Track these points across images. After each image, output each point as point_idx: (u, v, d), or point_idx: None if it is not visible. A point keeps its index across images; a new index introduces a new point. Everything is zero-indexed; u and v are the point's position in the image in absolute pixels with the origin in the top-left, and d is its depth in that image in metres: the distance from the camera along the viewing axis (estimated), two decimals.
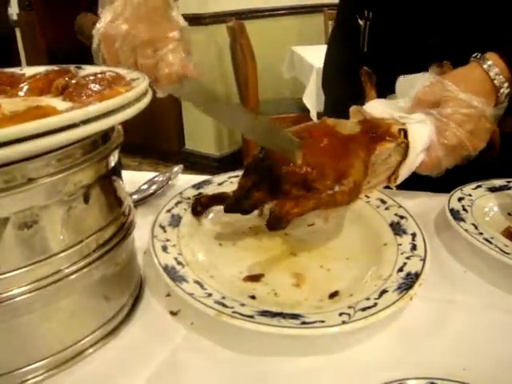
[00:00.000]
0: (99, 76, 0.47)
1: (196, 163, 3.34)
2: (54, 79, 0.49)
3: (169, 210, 0.61)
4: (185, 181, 0.77)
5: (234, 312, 0.44)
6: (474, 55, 0.65)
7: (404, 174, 0.63)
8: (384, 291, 0.47)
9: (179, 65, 0.57)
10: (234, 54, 2.74)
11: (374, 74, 0.74)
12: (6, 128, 0.31)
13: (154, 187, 0.75)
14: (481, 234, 0.56)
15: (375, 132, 0.61)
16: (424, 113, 0.63)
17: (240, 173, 0.72)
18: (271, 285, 0.52)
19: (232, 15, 2.88)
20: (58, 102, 0.43)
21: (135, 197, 0.72)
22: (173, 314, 0.50)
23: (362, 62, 0.76)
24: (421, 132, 0.62)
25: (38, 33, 2.63)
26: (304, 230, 0.62)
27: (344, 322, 0.43)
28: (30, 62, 3.78)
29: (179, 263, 0.51)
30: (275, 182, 0.53)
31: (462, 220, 0.59)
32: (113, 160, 0.45)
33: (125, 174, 0.51)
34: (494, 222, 0.62)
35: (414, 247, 0.54)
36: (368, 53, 0.85)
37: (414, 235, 0.56)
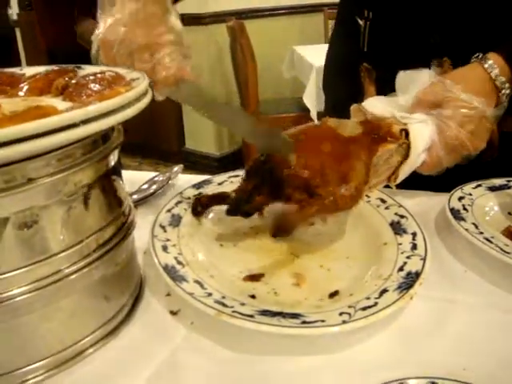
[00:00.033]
0: (99, 76, 0.47)
1: (196, 163, 3.34)
2: (53, 79, 0.49)
3: (169, 210, 0.61)
4: (185, 180, 0.77)
5: (234, 311, 0.44)
6: (475, 55, 0.64)
7: (404, 173, 0.63)
8: (384, 290, 0.47)
9: (176, 68, 0.57)
10: (234, 53, 2.74)
11: (374, 71, 0.73)
12: (5, 128, 0.31)
13: (154, 187, 0.75)
14: (481, 233, 0.56)
15: (377, 133, 0.61)
16: (425, 113, 0.63)
17: (240, 172, 0.72)
18: (271, 284, 0.52)
19: (232, 15, 2.88)
20: (58, 102, 0.43)
21: (135, 197, 0.72)
22: (173, 313, 0.50)
23: (363, 62, 0.76)
24: (422, 132, 0.62)
25: (37, 33, 2.63)
26: (304, 229, 0.62)
27: (344, 322, 0.43)
28: (30, 62, 3.78)
29: (179, 263, 0.51)
30: (277, 186, 0.53)
31: (463, 219, 0.59)
32: (113, 160, 0.45)
33: (125, 173, 0.51)
34: (494, 222, 0.62)
35: (414, 246, 0.54)
36: (368, 52, 0.85)
37: (414, 234, 0.56)
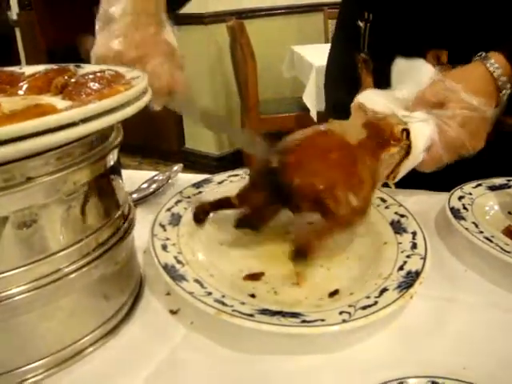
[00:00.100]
0: (99, 75, 0.47)
1: (196, 162, 3.35)
2: (53, 78, 0.49)
3: (169, 209, 0.61)
4: (185, 180, 0.77)
5: (233, 310, 0.43)
6: (478, 54, 0.64)
7: (403, 172, 0.63)
8: (384, 290, 0.47)
9: (168, 78, 0.58)
10: (233, 53, 2.74)
11: (371, 61, 0.73)
12: (5, 126, 0.31)
13: (153, 186, 0.75)
14: (481, 232, 0.56)
15: (381, 137, 0.60)
16: (426, 111, 0.63)
17: (240, 172, 0.72)
18: (271, 283, 0.52)
19: (232, 14, 2.88)
20: (57, 101, 0.43)
21: (135, 196, 0.72)
22: (173, 312, 0.49)
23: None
24: (423, 132, 0.62)
25: (37, 32, 2.64)
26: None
27: (344, 321, 0.42)
28: (30, 62, 3.78)
29: (179, 262, 0.51)
30: (285, 198, 0.53)
31: (463, 218, 0.59)
32: (112, 159, 0.45)
33: (124, 173, 0.51)
34: (494, 221, 0.62)
35: (414, 246, 0.54)
36: (368, 54, 0.85)
37: (414, 234, 0.56)
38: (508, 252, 0.52)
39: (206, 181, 0.70)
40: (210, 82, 3.20)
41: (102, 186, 0.44)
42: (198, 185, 0.69)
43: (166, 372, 0.43)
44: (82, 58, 0.60)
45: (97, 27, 0.61)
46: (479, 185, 0.69)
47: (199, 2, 2.95)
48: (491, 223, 0.61)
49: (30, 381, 0.40)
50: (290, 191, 0.51)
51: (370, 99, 0.66)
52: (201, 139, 3.39)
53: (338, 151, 0.55)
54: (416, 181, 0.69)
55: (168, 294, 0.52)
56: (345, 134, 0.57)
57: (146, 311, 0.50)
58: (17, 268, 0.37)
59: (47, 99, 0.44)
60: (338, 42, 0.99)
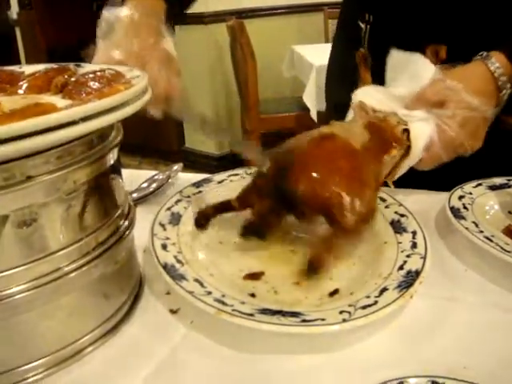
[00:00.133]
0: (99, 74, 0.46)
1: (196, 162, 3.35)
2: (53, 77, 0.49)
3: (169, 208, 0.61)
4: (185, 179, 0.77)
5: (233, 310, 0.43)
6: (479, 53, 0.64)
7: (402, 171, 0.63)
8: (384, 289, 0.47)
9: (164, 85, 0.59)
10: (233, 52, 2.74)
11: (370, 56, 0.73)
12: (5, 125, 0.31)
13: (153, 185, 0.75)
14: (481, 232, 0.56)
15: (383, 141, 0.60)
16: (426, 110, 0.63)
17: (240, 171, 0.72)
18: (271, 283, 0.52)
19: (232, 14, 2.88)
20: (57, 100, 0.43)
21: (135, 195, 0.72)
22: (172, 312, 0.49)
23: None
24: (423, 131, 0.62)
25: (37, 32, 2.64)
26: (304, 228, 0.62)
27: (344, 320, 0.42)
28: (30, 61, 3.78)
29: (179, 261, 0.51)
30: (292, 206, 0.52)
31: (463, 218, 0.59)
32: (112, 158, 0.45)
33: (125, 172, 0.51)
34: (494, 220, 0.62)
35: (414, 245, 0.54)
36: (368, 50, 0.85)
37: (414, 233, 0.56)
38: (508, 251, 0.52)
39: (205, 180, 0.70)
40: (210, 81, 3.20)
41: (102, 185, 0.44)
42: (197, 184, 0.69)
43: (165, 371, 0.43)
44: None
45: (98, 35, 0.62)
46: (479, 184, 0.68)
47: (199, 2, 2.91)
48: (491, 223, 0.61)
49: (30, 380, 0.40)
50: (296, 199, 0.51)
51: (369, 96, 0.66)
52: (201, 139, 3.39)
53: (343, 157, 0.55)
54: (416, 180, 0.69)
55: (168, 293, 0.52)
56: (349, 138, 0.57)
57: (145, 310, 0.50)
58: (17, 267, 0.37)
59: (47, 98, 0.44)
60: (339, 42, 0.99)
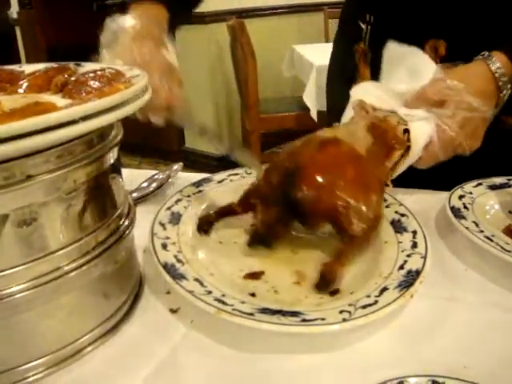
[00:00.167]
0: (99, 73, 0.47)
1: (196, 162, 3.34)
2: (53, 76, 0.49)
3: (169, 208, 0.61)
4: (184, 179, 0.77)
5: (233, 309, 0.43)
6: (481, 53, 0.64)
7: (401, 169, 0.63)
8: (385, 289, 0.47)
9: (166, 94, 0.60)
10: (234, 52, 2.74)
11: (370, 52, 0.73)
12: (5, 124, 0.31)
13: (153, 185, 0.75)
14: (482, 231, 0.56)
15: (386, 144, 0.60)
16: (426, 110, 0.63)
17: (240, 171, 0.72)
18: (271, 282, 0.52)
19: (232, 14, 2.88)
20: (57, 99, 0.43)
21: (135, 195, 0.72)
22: (172, 311, 0.49)
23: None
24: (423, 130, 0.62)
25: (37, 31, 2.63)
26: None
27: (344, 320, 0.42)
28: (30, 60, 3.78)
29: (179, 261, 0.51)
30: (299, 214, 0.52)
31: (463, 218, 0.59)
32: (112, 157, 0.45)
33: (125, 171, 0.51)
34: (494, 220, 0.62)
35: (414, 245, 0.54)
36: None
37: (414, 233, 0.56)
38: (508, 251, 0.52)
39: (205, 180, 0.70)
40: (211, 81, 3.19)
41: (102, 185, 0.44)
42: (197, 184, 0.69)
43: (165, 371, 0.43)
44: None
45: (101, 43, 0.63)
46: (480, 184, 0.68)
47: None
48: (492, 222, 0.61)
49: (30, 379, 0.40)
50: (304, 206, 0.51)
51: (368, 93, 0.66)
52: (201, 139, 3.38)
53: (349, 163, 0.54)
54: (416, 180, 0.69)
55: (168, 292, 0.52)
56: (353, 143, 0.57)
57: (145, 310, 0.50)
58: (17, 266, 0.37)
59: (47, 97, 0.44)
60: (340, 42, 0.99)
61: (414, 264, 0.50)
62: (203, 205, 0.65)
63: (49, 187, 0.37)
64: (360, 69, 0.73)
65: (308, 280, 0.52)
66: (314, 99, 2.32)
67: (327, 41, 3.13)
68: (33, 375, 0.41)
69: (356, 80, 0.74)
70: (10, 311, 0.38)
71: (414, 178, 0.67)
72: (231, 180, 0.70)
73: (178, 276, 0.48)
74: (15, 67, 0.54)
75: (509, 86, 0.63)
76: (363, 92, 0.67)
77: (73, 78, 0.47)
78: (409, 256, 0.52)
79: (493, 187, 0.68)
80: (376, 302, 0.45)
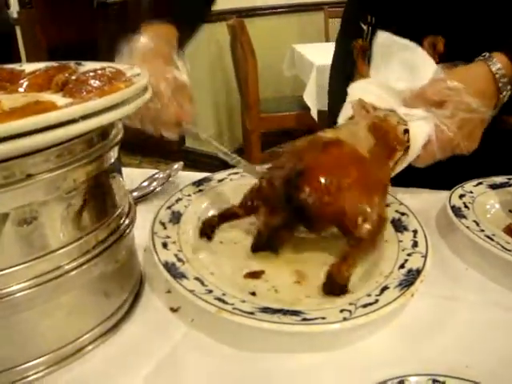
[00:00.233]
0: (99, 72, 0.46)
1: (196, 161, 3.34)
2: (53, 75, 0.49)
3: (169, 207, 0.61)
4: (185, 178, 0.77)
5: (234, 308, 0.43)
6: (482, 54, 0.64)
7: (400, 169, 0.63)
8: (385, 288, 0.47)
9: (175, 111, 0.63)
10: (234, 51, 2.74)
11: (369, 48, 0.73)
12: (5, 123, 0.31)
13: (154, 184, 0.75)
14: (482, 230, 0.56)
15: (388, 145, 0.60)
16: (425, 109, 0.63)
17: (240, 170, 0.72)
18: (272, 281, 0.52)
19: (232, 13, 2.88)
20: (57, 98, 0.43)
21: (135, 194, 0.72)
22: (173, 310, 0.49)
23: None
24: (422, 130, 0.62)
25: (38, 31, 2.63)
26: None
27: (345, 319, 0.42)
28: (31, 60, 3.77)
29: (179, 260, 0.51)
30: (305, 219, 0.52)
31: (464, 217, 0.59)
32: (113, 157, 0.45)
33: (125, 171, 0.51)
34: (495, 219, 0.62)
35: (415, 244, 0.54)
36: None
37: (415, 232, 0.56)
38: (509, 250, 0.52)
39: (206, 179, 0.70)
40: (211, 80, 3.19)
41: (102, 184, 0.44)
42: (198, 183, 0.68)
43: (166, 370, 0.43)
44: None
45: (119, 55, 0.65)
46: (480, 183, 0.68)
47: None
48: (492, 221, 0.61)
49: (30, 378, 0.40)
50: (309, 210, 0.50)
51: (368, 91, 0.66)
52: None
53: (352, 165, 0.54)
54: (417, 179, 0.69)
55: (168, 291, 0.52)
56: (355, 144, 0.56)
57: (146, 309, 0.50)
58: (17, 265, 0.37)
59: (47, 96, 0.44)
60: (342, 42, 0.99)
61: (414, 263, 0.50)
62: (203, 204, 0.65)
63: (49, 186, 0.37)
64: (358, 65, 0.73)
65: (308, 279, 0.52)
66: (314, 99, 2.32)
67: (327, 40, 3.13)
68: (33, 374, 0.41)
69: (354, 77, 0.73)
70: (11, 310, 0.38)
71: (414, 178, 0.67)
72: (231, 179, 0.70)
73: (178, 275, 0.48)
74: (15, 66, 0.54)
75: (509, 87, 0.63)
76: (361, 90, 0.67)
77: (73, 77, 0.47)
78: (409, 255, 0.52)
79: (493, 186, 0.68)
80: (377, 300, 0.45)
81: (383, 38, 0.70)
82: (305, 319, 0.43)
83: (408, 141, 0.62)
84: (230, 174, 0.71)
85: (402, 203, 0.62)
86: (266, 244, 0.56)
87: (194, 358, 0.44)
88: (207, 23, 3.00)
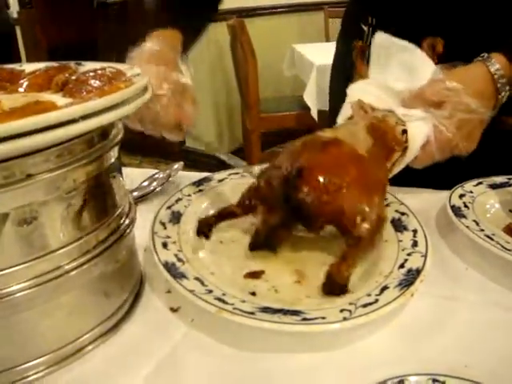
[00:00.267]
0: (99, 72, 0.46)
1: (196, 161, 3.34)
2: (53, 75, 0.49)
3: (169, 207, 0.61)
4: (185, 178, 0.77)
5: (234, 308, 0.43)
6: (481, 55, 0.64)
7: (398, 169, 0.63)
8: (385, 288, 0.47)
9: (175, 113, 0.62)
10: (234, 51, 2.74)
11: (368, 48, 0.73)
12: (5, 123, 0.31)
13: (154, 184, 0.75)
14: (482, 230, 0.56)
15: (386, 145, 0.60)
16: (424, 110, 0.63)
17: (240, 170, 0.72)
18: (272, 281, 0.52)
19: (233, 13, 2.87)
20: (57, 98, 0.43)
21: (135, 194, 0.72)
22: (173, 310, 0.49)
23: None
24: (420, 130, 0.62)
25: (38, 31, 2.63)
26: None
27: (345, 319, 0.42)
28: (31, 60, 3.77)
29: (179, 260, 0.51)
30: (303, 218, 0.52)
31: (464, 217, 0.59)
32: (113, 156, 0.45)
33: (125, 171, 0.51)
34: (495, 219, 0.62)
35: (415, 244, 0.54)
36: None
37: (415, 232, 0.56)
38: (509, 250, 0.52)
39: (206, 179, 0.70)
40: (211, 80, 3.19)
41: (103, 184, 0.44)
42: (198, 183, 0.69)
43: (166, 370, 0.43)
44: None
45: (129, 57, 0.66)
46: (480, 183, 0.68)
47: None
48: (492, 221, 0.61)
49: (30, 378, 0.40)
50: (308, 209, 0.50)
51: (367, 92, 0.66)
52: (201, 138, 3.39)
53: (351, 164, 0.54)
54: (417, 179, 0.69)
55: (168, 291, 0.52)
56: (354, 144, 0.56)
57: (146, 309, 0.50)
58: (17, 265, 0.37)
59: (47, 97, 0.44)
60: (343, 42, 0.99)
61: (414, 263, 0.50)
62: (203, 204, 0.65)
63: (49, 186, 0.37)
64: (357, 66, 0.73)
65: (308, 279, 0.52)
66: (314, 98, 2.32)
67: (328, 40, 3.13)
68: (33, 374, 0.41)
69: (353, 77, 0.73)
70: (11, 310, 0.38)
71: (414, 177, 0.67)
72: (231, 179, 0.70)
73: (178, 275, 0.48)
74: (15, 66, 0.54)
75: (507, 87, 0.63)
76: (360, 91, 0.67)
77: (73, 77, 0.47)
78: (409, 255, 0.52)
79: (493, 186, 0.68)
80: (376, 300, 0.45)
81: (382, 39, 0.70)
82: (305, 319, 0.43)
83: (406, 141, 0.62)
84: (230, 174, 0.71)
85: (402, 203, 0.62)
86: (264, 243, 0.56)
87: (194, 357, 0.44)
88: None
